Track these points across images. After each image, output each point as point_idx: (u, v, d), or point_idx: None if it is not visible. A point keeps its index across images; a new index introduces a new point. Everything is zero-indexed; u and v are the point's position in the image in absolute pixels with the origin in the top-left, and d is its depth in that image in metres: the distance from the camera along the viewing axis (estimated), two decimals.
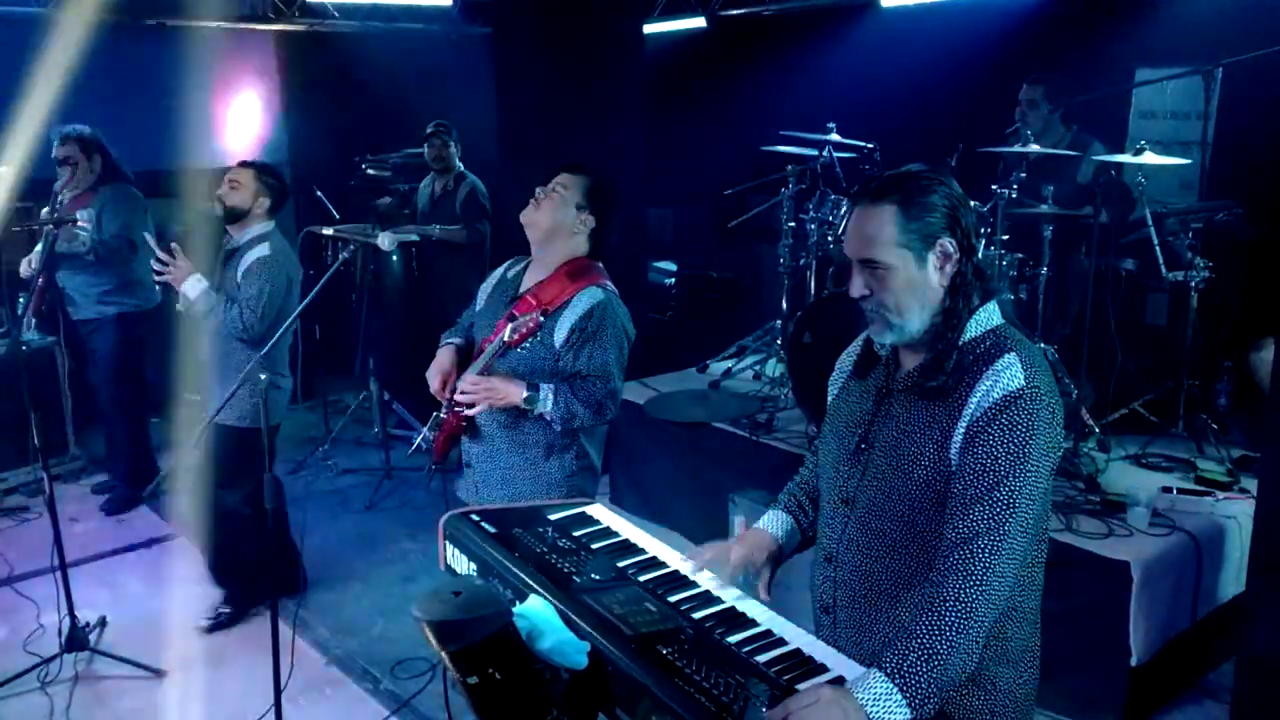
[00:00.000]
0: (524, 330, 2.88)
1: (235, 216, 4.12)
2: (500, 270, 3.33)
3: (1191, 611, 3.74)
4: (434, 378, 3.15)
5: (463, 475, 3.27)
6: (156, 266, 4.08)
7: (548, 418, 2.97)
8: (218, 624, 4.32)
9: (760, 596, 2.10)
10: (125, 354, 5.45)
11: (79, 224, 5.09)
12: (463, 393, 2.98)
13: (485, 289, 3.32)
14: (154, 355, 5.59)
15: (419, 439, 3.29)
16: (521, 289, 3.14)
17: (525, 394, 2.92)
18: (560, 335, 2.99)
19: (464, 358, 3.20)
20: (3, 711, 3.74)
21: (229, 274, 4.10)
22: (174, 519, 5.41)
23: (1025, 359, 1.84)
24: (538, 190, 3.07)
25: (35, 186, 5.93)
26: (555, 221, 3.05)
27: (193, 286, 4.03)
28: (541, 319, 2.92)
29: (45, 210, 5.07)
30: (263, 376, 3.24)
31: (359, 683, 3.97)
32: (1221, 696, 3.64)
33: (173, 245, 4.11)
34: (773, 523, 2.23)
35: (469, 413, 3.02)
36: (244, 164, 4.19)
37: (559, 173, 3.09)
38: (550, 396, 2.94)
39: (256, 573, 4.32)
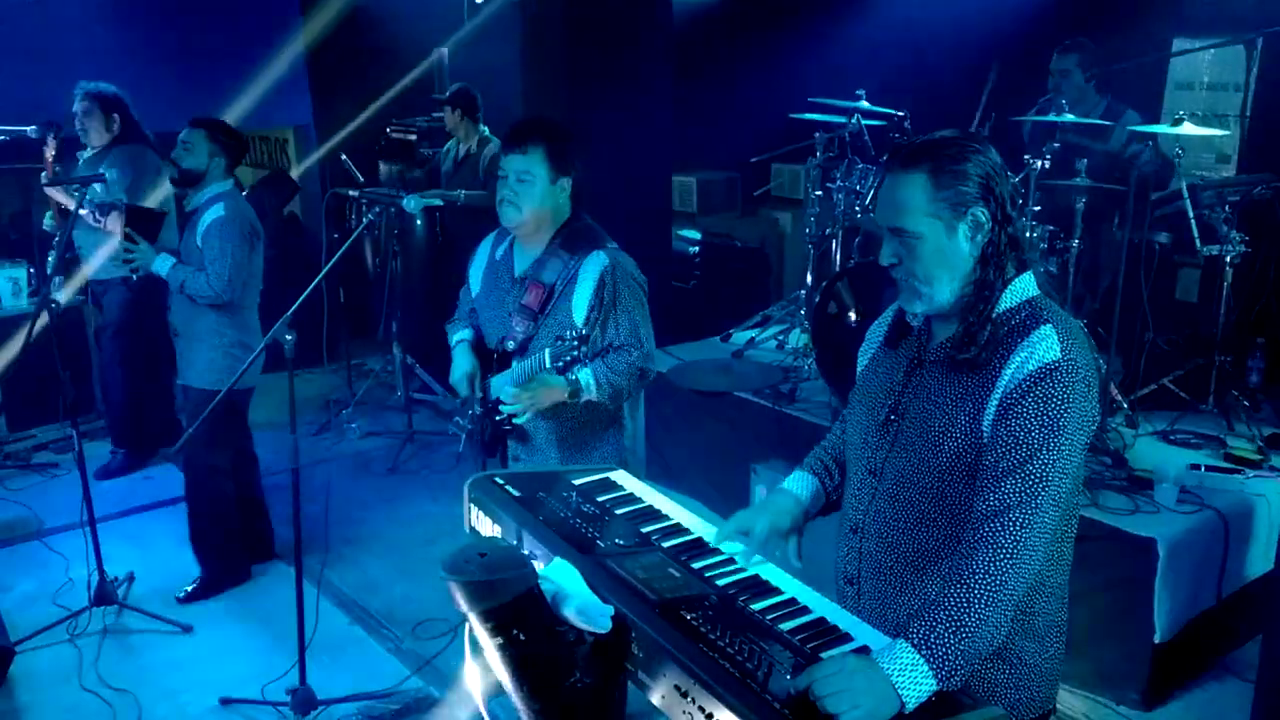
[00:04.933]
0: (569, 359, 2.79)
1: (192, 179, 4.04)
2: (486, 249, 3.27)
3: (1217, 589, 3.71)
4: (463, 384, 3.13)
5: (510, 469, 3.24)
6: (126, 256, 4.07)
7: (595, 401, 2.95)
8: (190, 597, 4.24)
9: (792, 562, 2.09)
10: (131, 315, 5.39)
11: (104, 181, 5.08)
12: (508, 405, 2.96)
13: (476, 272, 3.27)
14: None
15: (463, 437, 3.26)
16: (517, 271, 3.10)
17: (568, 390, 2.90)
18: (580, 315, 2.95)
19: (479, 351, 3.20)
20: (33, 662, 3.81)
21: (189, 238, 4.06)
22: None
23: (1062, 331, 1.81)
24: (505, 190, 2.95)
25: (65, 145, 5.93)
26: (538, 210, 2.97)
27: (161, 265, 4.02)
28: (584, 349, 2.78)
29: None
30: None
31: (381, 642, 4.01)
32: (1245, 675, 3.61)
33: (126, 231, 4.08)
34: (797, 484, 2.21)
35: (517, 420, 3.00)
36: (195, 123, 4.08)
37: (508, 153, 2.96)
38: (592, 383, 2.92)
39: (235, 549, 4.32)
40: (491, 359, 3.16)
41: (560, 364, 2.78)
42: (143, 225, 4.25)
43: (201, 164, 4.02)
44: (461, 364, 3.16)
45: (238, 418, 4.25)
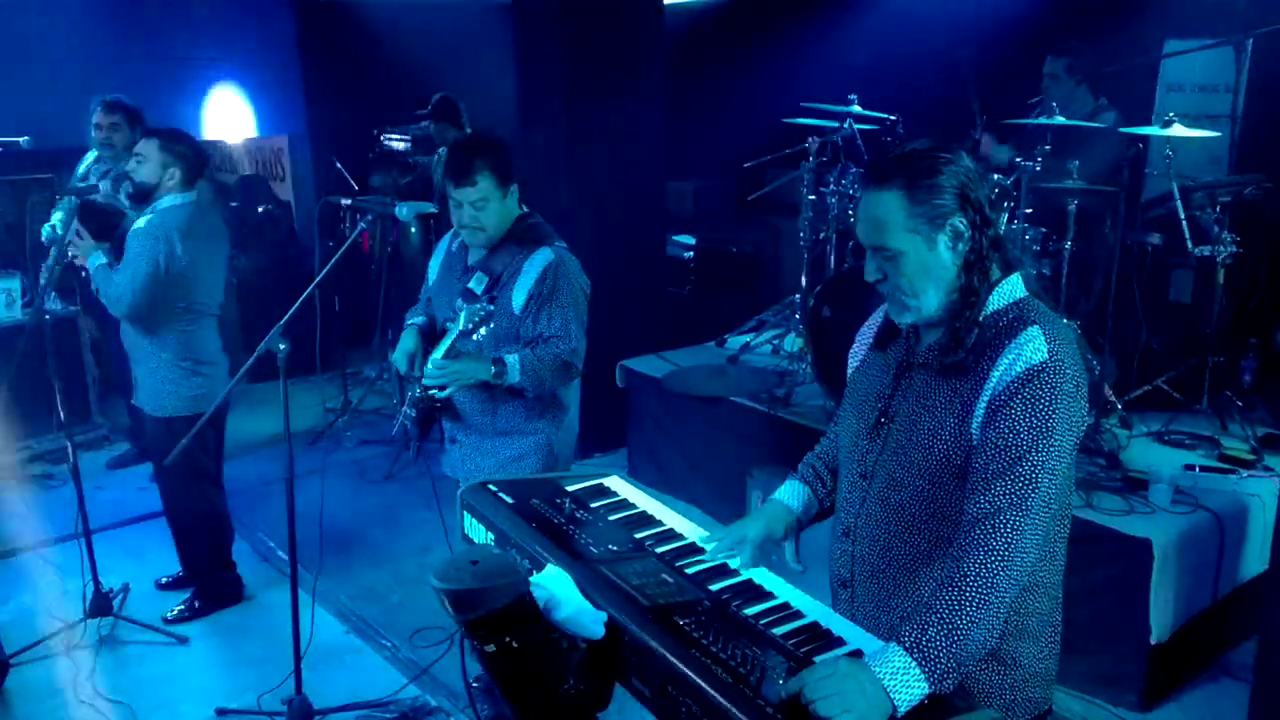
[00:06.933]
0: (477, 320, 2.94)
1: (145, 192, 3.84)
2: (445, 242, 3.38)
3: (1213, 590, 3.71)
4: (401, 360, 3.23)
5: (446, 451, 3.35)
6: (71, 251, 3.99)
7: (518, 387, 3.05)
8: (179, 618, 4.16)
9: (791, 565, 2.10)
10: None
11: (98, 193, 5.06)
12: (430, 377, 3.04)
13: (435, 263, 3.38)
14: None
15: (400, 418, 3.32)
16: (470, 261, 3.21)
17: (492, 370, 3.01)
18: (518, 302, 3.08)
19: (428, 336, 3.28)
20: (27, 675, 3.79)
21: None
22: None
23: (1049, 331, 1.82)
24: (464, 217, 3.07)
25: (59, 155, 5.94)
26: (500, 222, 3.11)
27: (93, 261, 3.89)
28: (491, 308, 2.97)
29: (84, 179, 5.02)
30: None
31: (377, 650, 4.00)
32: (1241, 675, 3.61)
33: (74, 226, 3.99)
34: (788, 494, 2.22)
35: (440, 395, 3.09)
36: (149, 134, 3.93)
37: (458, 187, 3.04)
38: (516, 366, 3.03)
39: (226, 572, 4.30)
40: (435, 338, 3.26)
41: (471, 324, 2.91)
42: (96, 222, 4.13)
43: (154, 177, 3.81)
44: (404, 343, 3.25)
45: (212, 439, 4.09)
